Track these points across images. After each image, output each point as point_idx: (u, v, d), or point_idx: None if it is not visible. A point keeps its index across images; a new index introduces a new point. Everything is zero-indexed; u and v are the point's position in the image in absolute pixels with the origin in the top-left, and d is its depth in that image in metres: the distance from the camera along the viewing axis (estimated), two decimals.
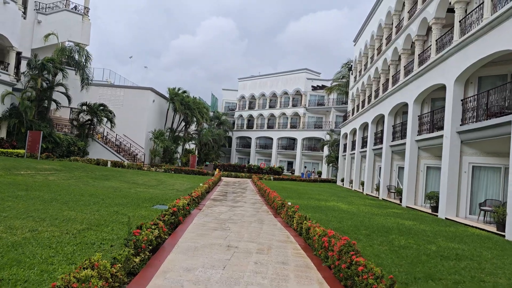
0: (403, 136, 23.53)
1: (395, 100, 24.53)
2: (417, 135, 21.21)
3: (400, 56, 25.18)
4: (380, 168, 30.20)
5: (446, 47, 17.71)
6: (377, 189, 27.62)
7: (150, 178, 23.01)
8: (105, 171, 22.48)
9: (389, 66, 27.29)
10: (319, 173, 55.00)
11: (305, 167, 57.11)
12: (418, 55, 21.69)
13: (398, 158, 26.11)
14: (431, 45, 20.08)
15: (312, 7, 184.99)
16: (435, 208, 17.38)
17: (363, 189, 31.64)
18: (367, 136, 34.01)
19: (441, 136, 17.43)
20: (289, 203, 11.80)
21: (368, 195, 28.39)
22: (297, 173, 57.14)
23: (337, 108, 55.83)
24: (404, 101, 22.86)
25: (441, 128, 17.80)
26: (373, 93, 31.29)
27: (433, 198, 17.62)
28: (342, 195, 24.88)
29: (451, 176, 16.22)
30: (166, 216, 7.77)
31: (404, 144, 22.69)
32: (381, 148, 27.69)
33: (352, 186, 36.11)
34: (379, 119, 30.59)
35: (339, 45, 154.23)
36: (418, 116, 21.42)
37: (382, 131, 28.94)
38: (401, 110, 25.90)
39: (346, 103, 54.37)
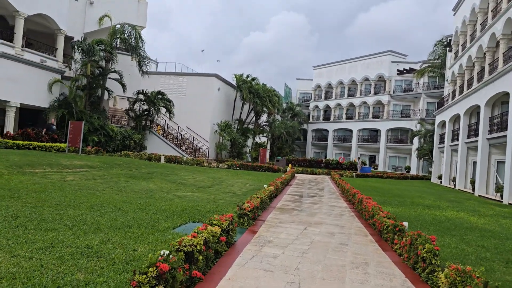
0: None
1: None
2: None
3: None
4: (497, 163, 23.53)
5: None
6: (499, 190, 21.04)
7: (207, 176, 18.84)
8: (153, 168, 18.72)
9: None
10: (408, 169, 47.95)
11: (359, 157, 47.69)
12: None
13: None
14: None
15: None
16: None
17: (473, 189, 25.00)
18: (475, 123, 27.19)
19: None
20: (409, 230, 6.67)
21: (483, 198, 21.90)
22: (380, 168, 50.51)
23: (428, 94, 48.16)
24: None
25: None
26: (487, 67, 24.44)
27: None
28: (452, 198, 18.86)
29: None
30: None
31: None
32: (503, 137, 21.08)
33: (455, 185, 29.35)
34: (497, 100, 23.81)
35: (412, 35, 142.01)
36: None
37: (502, 114, 22.23)
38: None
39: (439, 87, 46.69)
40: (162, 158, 24.60)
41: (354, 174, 32.72)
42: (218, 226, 5.67)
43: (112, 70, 25.74)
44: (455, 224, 10.49)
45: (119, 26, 26.39)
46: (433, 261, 5.08)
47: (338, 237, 7.82)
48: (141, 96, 28.91)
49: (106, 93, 26.29)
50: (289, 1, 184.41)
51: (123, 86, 25.99)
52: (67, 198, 9.21)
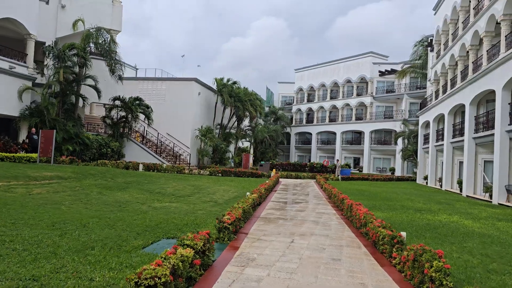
0: None
1: None
2: None
3: None
4: (484, 162, 23.19)
5: None
6: (487, 191, 20.64)
7: (187, 184, 17.90)
8: (130, 177, 17.69)
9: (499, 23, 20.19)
10: (392, 170, 47.69)
11: (338, 160, 46.79)
12: None
13: None
14: None
15: (362, 0, 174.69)
16: None
17: (461, 189, 24.61)
18: (460, 122, 26.90)
19: None
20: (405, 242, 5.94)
21: (472, 198, 21.48)
22: (365, 171, 50.15)
23: (411, 94, 48.08)
24: None
25: None
26: (471, 66, 24.15)
27: None
28: (442, 200, 18.34)
29: None
30: None
31: None
32: (490, 136, 20.72)
33: (441, 186, 29.01)
34: (482, 99, 23.51)
35: (390, 38, 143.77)
36: None
37: (488, 113, 21.91)
38: None
39: (421, 87, 46.66)
40: (141, 166, 23.51)
41: (339, 177, 32.12)
42: (191, 247, 4.81)
43: (87, 76, 24.54)
44: (451, 229, 9.83)
45: (93, 30, 25.26)
46: (444, 282, 4.32)
47: (329, 250, 7.02)
48: (118, 103, 27.71)
49: (81, 100, 25.08)
50: (268, 6, 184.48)
51: (98, 92, 24.82)
52: (26, 215, 8.23)
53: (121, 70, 25.99)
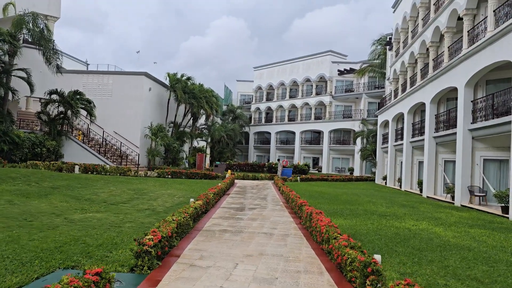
0: (498, 114, 15.84)
1: (480, 63, 16.75)
2: None
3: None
4: (444, 162, 22.57)
5: None
6: (449, 192, 19.88)
7: (128, 188, 15.81)
8: (61, 181, 15.39)
9: (461, 18, 19.45)
10: (351, 170, 47.18)
11: (278, 159, 46.07)
12: None
13: (481, 148, 18.41)
14: None
15: (318, 2, 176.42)
16: None
17: (421, 190, 23.91)
18: (420, 121, 26.28)
19: None
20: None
21: (433, 199, 20.70)
22: (324, 171, 49.39)
23: (369, 94, 47.74)
24: (504, 60, 15.00)
25: None
26: (431, 63, 23.47)
27: None
28: (404, 203, 17.29)
29: None
30: None
31: (500, 125, 15.15)
32: (452, 135, 20.00)
33: (401, 186, 28.35)
34: (442, 97, 22.87)
35: (345, 40, 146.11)
36: None
37: (449, 111, 21.22)
38: (488, 78, 18.35)
39: (379, 87, 46.44)
40: (76, 167, 21.03)
41: (298, 178, 30.85)
42: None
43: (16, 67, 21.73)
44: (424, 240, 8.50)
45: (28, 15, 22.47)
46: None
47: (282, 280, 5.37)
48: (55, 97, 24.93)
49: (11, 94, 22.28)
50: (228, 5, 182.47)
51: (30, 85, 22.07)
52: None
53: (58, 60, 23.27)
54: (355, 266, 4.99)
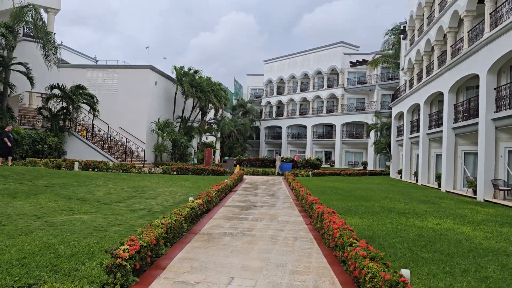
0: None
1: (504, 47, 15.49)
2: None
3: None
4: (464, 154, 21.30)
5: None
6: (471, 186, 18.65)
7: (127, 185, 14.98)
8: (57, 179, 14.61)
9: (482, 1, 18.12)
10: (365, 164, 45.92)
11: (277, 153, 45.29)
12: None
13: (506, 138, 17.16)
14: None
15: None
16: None
17: (439, 184, 22.69)
18: (437, 112, 24.99)
19: None
20: None
21: (452, 194, 19.51)
22: (337, 165, 48.20)
23: (383, 85, 46.30)
24: None
25: None
26: (449, 50, 22.15)
27: None
28: (423, 198, 16.16)
29: None
30: None
31: None
32: (473, 125, 18.76)
33: (417, 180, 27.11)
34: (462, 85, 21.57)
35: (356, 35, 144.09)
36: None
37: (470, 100, 19.94)
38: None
39: (393, 78, 44.98)
40: (76, 164, 20.28)
41: (310, 173, 29.79)
42: None
43: (16, 61, 21.02)
44: (451, 242, 7.45)
45: (28, 8, 21.73)
46: None
47: None
48: (56, 91, 24.21)
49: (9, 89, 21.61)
50: (237, 1, 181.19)
51: (30, 79, 21.39)
52: None
53: (58, 53, 22.50)
54: (377, 284, 3.99)
